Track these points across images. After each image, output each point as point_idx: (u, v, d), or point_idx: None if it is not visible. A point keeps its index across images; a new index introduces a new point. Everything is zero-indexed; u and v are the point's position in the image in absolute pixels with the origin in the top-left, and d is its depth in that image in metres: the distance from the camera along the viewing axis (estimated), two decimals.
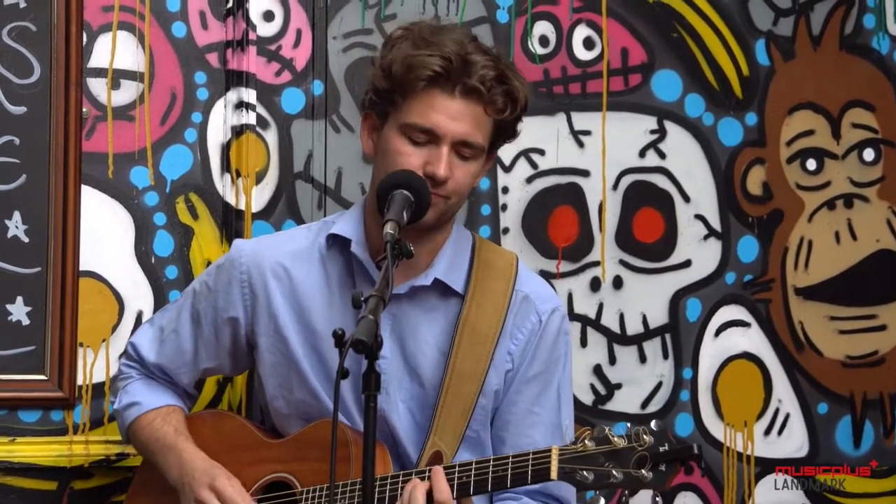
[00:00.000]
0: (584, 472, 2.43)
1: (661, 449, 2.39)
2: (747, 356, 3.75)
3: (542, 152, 3.62)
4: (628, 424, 2.43)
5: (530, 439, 2.84)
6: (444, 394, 2.79)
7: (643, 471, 2.39)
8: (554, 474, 2.47)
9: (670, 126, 3.69)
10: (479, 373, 2.80)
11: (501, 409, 2.87)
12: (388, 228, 2.59)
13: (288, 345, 2.86)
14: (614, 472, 2.41)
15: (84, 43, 3.27)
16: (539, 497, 2.81)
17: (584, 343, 3.62)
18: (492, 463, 2.55)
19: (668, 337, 3.69)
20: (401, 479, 2.64)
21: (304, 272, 2.87)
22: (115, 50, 3.31)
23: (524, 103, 2.80)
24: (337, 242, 2.87)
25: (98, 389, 3.29)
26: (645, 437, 2.40)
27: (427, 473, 2.60)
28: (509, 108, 2.76)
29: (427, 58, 2.72)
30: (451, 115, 2.72)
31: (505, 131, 2.82)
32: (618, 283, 3.66)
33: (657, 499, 2.44)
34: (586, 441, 2.45)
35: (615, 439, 2.42)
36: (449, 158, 2.73)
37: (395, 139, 2.75)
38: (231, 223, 3.37)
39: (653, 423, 2.42)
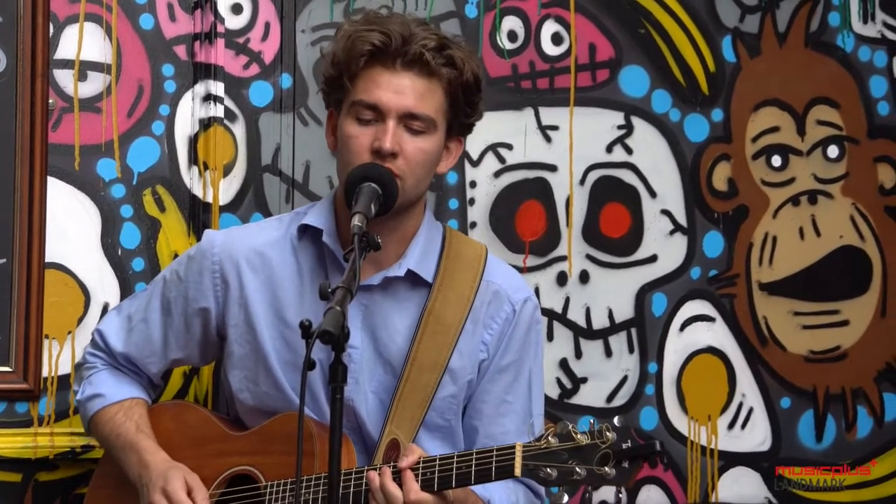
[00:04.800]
0: (548, 469, 2.44)
1: (624, 446, 2.40)
2: (712, 351, 3.77)
3: (509, 147, 3.63)
4: (591, 420, 2.43)
5: (502, 427, 2.86)
6: (404, 383, 2.80)
7: (606, 468, 2.40)
8: (517, 471, 2.47)
9: (637, 122, 3.71)
10: (440, 364, 2.81)
11: (475, 399, 2.88)
12: (356, 221, 2.60)
13: (257, 336, 2.87)
14: (577, 469, 2.42)
15: (51, 34, 3.25)
16: (510, 481, 2.82)
17: (550, 337, 3.63)
18: (456, 459, 2.56)
19: (633, 331, 3.71)
20: (365, 473, 2.64)
21: (278, 261, 2.88)
22: (82, 41, 3.30)
23: (472, 74, 2.80)
24: (308, 233, 2.88)
25: (63, 381, 3.28)
26: (608, 433, 2.41)
27: (394, 469, 2.61)
28: (454, 76, 2.77)
29: (367, 33, 2.75)
30: (394, 88, 2.74)
31: (459, 105, 2.81)
32: (584, 277, 3.68)
33: (620, 494, 2.45)
34: (549, 438, 2.45)
35: (578, 436, 2.43)
36: (396, 132, 2.74)
37: (347, 124, 2.78)
38: (198, 216, 3.37)
39: (616, 420, 2.42)
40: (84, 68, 3.30)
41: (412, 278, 2.84)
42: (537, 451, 2.47)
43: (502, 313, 2.87)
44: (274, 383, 2.85)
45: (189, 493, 2.76)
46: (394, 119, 2.74)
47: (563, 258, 3.66)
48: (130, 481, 2.88)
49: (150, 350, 2.98)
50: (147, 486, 2.80)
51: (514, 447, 2.49)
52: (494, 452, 2.52)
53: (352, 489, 2.64)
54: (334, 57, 2.79)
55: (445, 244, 2.89)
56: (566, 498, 2.44)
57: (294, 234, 2.89)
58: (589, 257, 3.68)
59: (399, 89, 2.74)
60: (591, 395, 3.66)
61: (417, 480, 2.58)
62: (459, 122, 2.84)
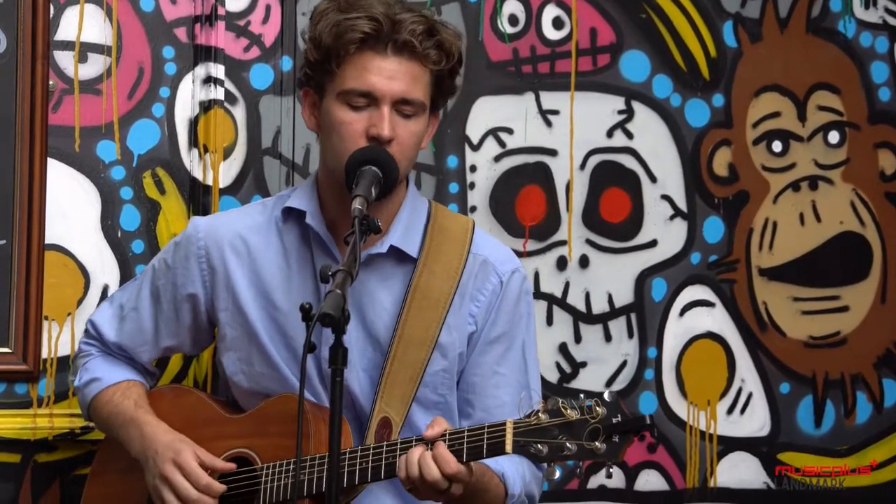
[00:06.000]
0: (539, 445, 2.44)
1: (614, 420, 2.40)
2: (711, 336, 3.77)
3: (510, 131, 3.63)
4: (582, 395, 2.44)
5: (498, 400, 2.85)
6: (391, 360, 2.80)
7: (596, 443, 2.40)
8: (508, 448, 2.48)
9: (638, 106, 3.71)
10: (428, 339, 2.81)
11: (467, 372, 2.87)
12: (357, 204, 2.60)
13: (247, 318, 2.87)
14: (568, 444, 2.42)
15: (51, 15, 3.25)
16: None
17: (549, 321, 3.63)
18: (448, 437, 2.56)
19: (633, 316, 3.71)
20: (359, 453, 2.65)
21: (263, 245, 2.88)
22: (83, 23, 3.30)
23: (458, 54, 2.81)
24: (292, 215, 2.88)
25: (63, 363, 3.28)
26: (598, 408, 2.41)
27: (429, 447, 2.58)
28: (444, 59, 2.77)
29: (355, 20, 2.73)
30: (387, 74, 2.74)
31: (443, 85, 2.82)
32: (584, 262, 3.68)
33: (611, 469, 2.45)
34: (540, 414, 2.45)
35: (568, 412, 2.43)
36: (391, 118, 2.74)
37: (336, 109, 2.76)
38: (198, 198, 3.37)
39: (605, 394, 2.42)
40: (84, 50, 3.30)
41: (396, 254, 2.84)
42: (527, 428, 2.47)
43: (489, 285, 2.86)
44: (268, 363, 2.86)
45: (201, 465, 2.77)
46: (388, 105, 2.74)
47: (562, 243, 3.66)
48: (133, 465, 2.88)
49: (143, 339, 2.99)
50: (154, 458, 2.81)
51: (504, 424, 2.49)
52: (486, 429, 2.52)
53: (346, 468, 2.64)
54: (319, 41, 2.77)
55: (430, 219, 2.89)
56: (558, 473, 2.45)
57: (278, 216, 2.89)
58: (589, 242, 3.68)
59: (391, 75, 2.74)
60: (590, 380, 3.66)
61: None
62: (443, 99, 2.86)
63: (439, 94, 2.83)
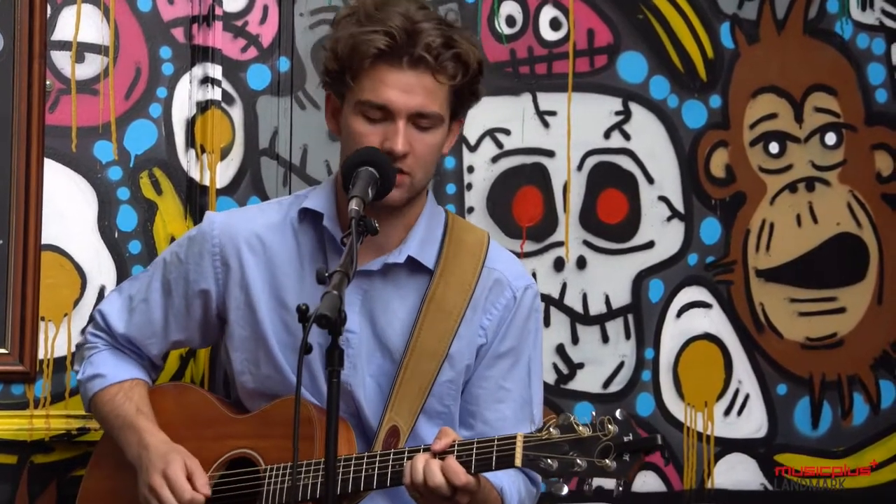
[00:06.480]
0: (548, 460, 2.44)
1: (626, 439, 2.40)
2: (708, 337, 3.77)
3: (507, 132, 3.62)
4: (593, 413, 2.44)
5: (500, 413, 2.85)
6: (404, 370, 2.80)
7: (607, 460, 2.41)
8: (518, 461, 2.48)
9: (635, 108, 3.71)
10: (440, 351, 2.81)
11: (472, 384, 2.88)
12: (353, 205, 2.60)
13: (257, 318, 2.87)
14: (578, 460, 2.42)
15: (48, 15, 3.24)
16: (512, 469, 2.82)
17: (547, 323, 3.63)
18: (456, 448, 2.56)
19: (630, 317, 3.71)
20: (365, 459, 2.65)
21: (279, 244, 2.88)
22: (80, 23, 3.29)
23: (477, 65, 2.78)
24: (308, 217, 2.88)
25: (59, 364, 3.28)
26: (609, 426, 2.41)
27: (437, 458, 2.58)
28: (461, 73, 2.75)
29: (371, 35, 2.71)
30: (402, 88, 2.72)
31: (464, 96, 2.80)
32: (581, 263, 3.68)
33: (620, 488, 2.45)
34: (551, 429, 2.46)
35: (580, 428, 2.43)
36: (406, 132, 2.72)
37: (353, 120, 2.76)
38: (195, 199, 3.36)
39: (617, 413, 2.42)
40: (81, 50, 3.29)
41: (412, 265, 2.84)
42: (538, 442, 2.47)
43: (503, 300, 2.87)
44: (274, 366, 2.86)
45: (189, 478, 2.76)
46: (403, 119, 2.72)
47: (560, 244, 3.66)
48: (129, 464, 2.88)
49: (151, 331, 2.98)
50: (147, 468, 2.81)
51: (514, 437, 2.49)
52: (496, 442, 2.52)
53: (351, 475, 2.63)
54: (336, 53, 2.76)
55: (447, 230, 2.89)
56: (565, 489, 2.44)
57: (294, 217, 2.89)
58: (586, 243, 3.68)
59: (407, 88, 2.71)
60: (587, 381, 3.66)
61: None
62: (463, 108, 2.84)
63: (459, 104, 2.80)
